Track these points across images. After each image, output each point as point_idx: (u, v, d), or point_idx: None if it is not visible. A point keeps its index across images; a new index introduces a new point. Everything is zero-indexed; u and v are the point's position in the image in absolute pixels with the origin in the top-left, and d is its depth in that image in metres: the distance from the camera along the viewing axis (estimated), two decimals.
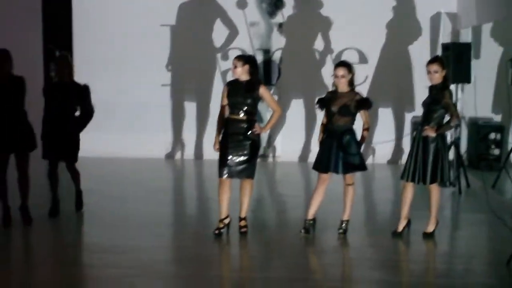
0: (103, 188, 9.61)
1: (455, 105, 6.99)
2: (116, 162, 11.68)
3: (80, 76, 11.91)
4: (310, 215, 7.10)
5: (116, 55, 12.18)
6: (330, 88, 7.26)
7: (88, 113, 7.84)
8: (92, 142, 11.96)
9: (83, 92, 7.81)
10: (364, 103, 6.98)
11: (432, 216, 7.05)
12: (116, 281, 5.80)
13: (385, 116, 11.74)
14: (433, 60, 7.03)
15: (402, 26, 11.84)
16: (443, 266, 6.40)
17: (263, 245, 6.92)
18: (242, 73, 6.96)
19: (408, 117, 11.68)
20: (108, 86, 12.03)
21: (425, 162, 6.86)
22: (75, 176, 7.97)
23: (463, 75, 9.72)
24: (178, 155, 12.27)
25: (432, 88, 7.00)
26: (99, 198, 9.20)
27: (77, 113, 7.89)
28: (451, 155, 9.68)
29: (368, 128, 7.07)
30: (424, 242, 6.97)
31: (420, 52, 11.36)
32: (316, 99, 7.18)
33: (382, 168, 10.99)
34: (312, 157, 7.26)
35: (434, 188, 6.98)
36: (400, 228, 7.06)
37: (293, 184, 10.25)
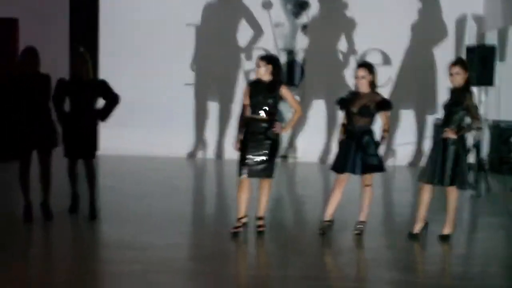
0: (124, 186, 9.74)
1: (476, 107, 6.97)
2: (138, 161, 11.82)
3: (105, 74, 12.18)
4: (328, 216, 7.14)
5: (141, 54, 12.31)
6: (353, 89, 7.29)
7: (114, 99, 7.67)
8: (115, 140, 12.21)
9: (102, 86, 7.70)
10: (384, 105, 7.00)
11: (449, 218, 7.04)
12: (136, 277, 5.89)
13: (406, 118, 11.73)
14: (456, 62, 7.02)
15: (427, 28, 11.82)
16: (460, 268, 6.40)
17: (280, 244, 6.97)
18: (265, 73, 7.01)
19: (430, 119, 11.65)
20: (133, 85, 12.15)
21: (444, 164, 6.86)
22: (92, 177, 7.72)
23: (487, 78, 9.69)
24: (199, 154, 12.37)
25: (453, 90, 7.00)
26: (121, 196, 9.32)
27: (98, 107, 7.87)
28: (472, 158, 9.68)
29: (387, 130, 7.08)
30: (440, 244, 6.97)
31: (444, 54, 11.34)
32: (336, 99, 7.21)
33: (402, 170, 10.98)
34: (333, 158, 7.29)
35: (453, 191, 6.97)
36: (416, 230, 7.07)
37: (312, 185, 10.30)
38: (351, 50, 12.04)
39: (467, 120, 6.93)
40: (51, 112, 7.54)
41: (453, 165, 6.85)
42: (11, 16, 11.46)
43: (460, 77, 6.88)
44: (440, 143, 6.92)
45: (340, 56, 12.08)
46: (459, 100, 6.86)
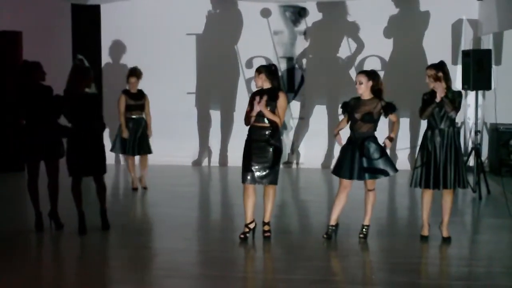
0: (131, 195, 9.85)
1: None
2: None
3: (108, 84, 12.36)
4: (333, 221, 7.27)
5: (143, 64, 12.34)
6: (355, 95, 7.43)
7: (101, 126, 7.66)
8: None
9: (96, 101, 7.66)
10: (390, 108, 7.11)
11: (447, 220, 7.19)
12: (146, 281, 6.04)
13: (404, 123, 11.84)
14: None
15: (423, 33, 11.94)
16: (463, 269, 6.51)
17: (286, 249, 7.09)
18: (262, 82, 7.19)
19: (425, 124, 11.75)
20: None
21: (445, 167, 7.00)
22: (102, 190, 7.66)
23: (483, 82, 9.81)
24: (205, 162, 12.49)
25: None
26: (128, 204, 9.46)
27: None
28: (472, 161, 9.82)
29: (394, 134, 7.21)
30: (443, 246, 7.10)
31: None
32: (341, 103, 7.32)
33: (404, 174, 11.10)
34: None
35: (450, 193, 7.13)
36: (425, 232, 7.21)
37: (315, 190, 10.41)
38: (350, 56, 12.15)
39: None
40: (54, 123, 7.62)
41: (455, 167, 6.99)
42: (15, 29, 11.58)
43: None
44: (434, 146, 7.03)
45: (340, 62, 12.19)
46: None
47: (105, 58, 12.60)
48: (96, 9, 12.47)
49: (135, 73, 9.92)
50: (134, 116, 9.86)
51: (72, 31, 12.30)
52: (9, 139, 8.01)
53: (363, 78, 7.12)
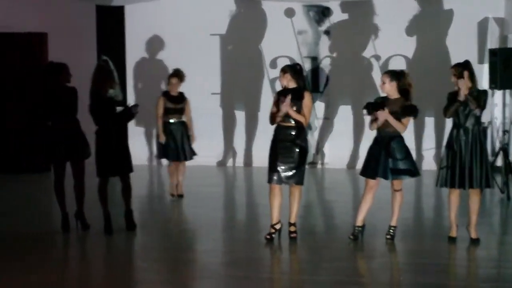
0: (157, 194, 9.89)
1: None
2: (159, 169, 11.97)
3: (133, 85, 12.39)
4: (359, 222, 7.22)
5: (167, 65, 12.46)
6: (380, 94, 7.38)
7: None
8: (146, 150, 12.43)
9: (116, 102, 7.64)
10: (408, 110, 7.05)
11: (475, 221, 7.10)
12: (172, 283, 6.04)
13: (429, 122, 11.76)
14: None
15: (449, 32, 11.83)
16: (492, 271, 6.44)
17: (312, 250, 7.06)
18: (288, 82, 7.16)
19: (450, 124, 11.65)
20: (159, 94, 12.31)
21: (471, 166, 6.93)
22: (127, 190, 7.64)
23: (511, 81, 9.70)
24: (229, 162, 12.49)
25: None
26: (153, 204, 9.49)
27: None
28: (500, 161, 9.70)
29: (394, 123, 7.03)
30: (471, 247, 7.03)
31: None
32: (365, 104, 7.26)
33: (430, 174, 11.01)
34: (360, 163, 7.38)
35: (477, 193, 7.05)
36: (454, 233, 7.14)
37: (341, 191, 10.36)
38: (375, 55, 12.08)
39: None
40: (79, 123, 7.67)
41: (481, 167, 6.93)
42: (40, 30, 11.66)
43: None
44: (460, 145, 6.97)
45: (364, 62, 12.12)
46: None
47: (130, 59, 12.63)
48: (120, 10, 12.50)
49: (178, 74, 9.31)
50: (172, 120, 9.24)
51: (97, 33, 12.36)
52: (35, 140, 8.05)
53: (386, 78, 7.10)
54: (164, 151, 9.31)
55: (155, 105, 9.33)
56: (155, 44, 12.56)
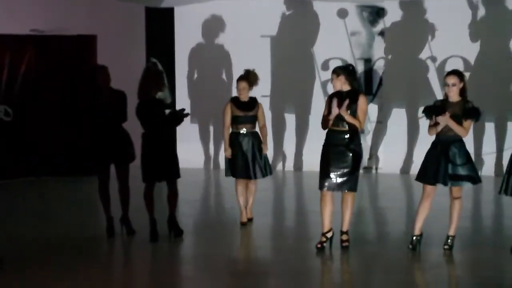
0: (202, 199, 9.71)
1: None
2: (215, 173, 11.82)
3: (181, 88, 12.30)
4: (417, 230, 6.85)
5: (216, 66, 12.33)
6: (437, 97, 7.01)
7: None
8: (192, 154, 12.25)
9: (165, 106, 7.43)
10: (471, 113, 6.68)
11: None
12: None
13: (489, 127, 11.32)
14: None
15: (508, 32, 11.38)
16: None
17: (365, 260, 6.77)
18: (341, 85, 6.85)
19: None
20: (208, 97, 12.19)
21: None
22: (174, 196, 7.42)
23: None
24: (279, 166, 12.25)
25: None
26: (199, 210, 9.30)
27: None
28: None
29: (457, 128, 6.69)
30: None
31: None
32: (423, 107, 6.92)
33: (490, 180, 10.58)
34: (415, 168, 7.03)
35: None
36: None
37: (394, 197, 10.05)
38: (431, 57, 11.73)
39: None
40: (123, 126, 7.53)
41: None
42: (90, 33, 11.64)
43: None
44: None
45: (420, 63, 11.78)
46: None
47: (179, 62, 12.54)
48: (170, 12, 12.46)
49: (246, 77, 7.95)
50: (241, 131, 7.94)
51: (146, 35, 12.32)
52: (80, 143, 7.94)
53: (456, 80, 6.69)
54: (231, 167, 7.99)
55: (222, 112, 8.09)
56: (204, 45, 12.45)
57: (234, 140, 7.91)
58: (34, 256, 6.84)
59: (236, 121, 7.91)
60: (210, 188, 11.44)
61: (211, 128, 12.47)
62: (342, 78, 6.86)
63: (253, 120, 7.95)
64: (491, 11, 11.42)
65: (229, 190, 10.12)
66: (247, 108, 7.93)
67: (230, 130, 7.98)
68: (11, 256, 6.65)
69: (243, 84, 7.89)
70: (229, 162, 7.96)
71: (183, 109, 7.41)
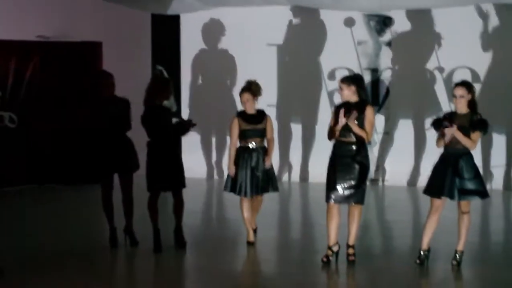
0: (206, 210, 9.62)
1: None
2: (219, 183, 11.72)
3: (187, 95, 12.24)
4: (425, 245, 6.74)
5: (222, 75, 12.27)
6: (444, 108, 6.91)
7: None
8: (195, 164, 12.14)
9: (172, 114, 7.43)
10: (479, 124, 6.57)
11: None
12: None
13: (498, 139, 11.19)
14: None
15: None
16: None
17: (371, 274, 6.67)
18: (350, 95, 6.76)
19: None
20: (213, 106, 12.12)
21: None
22: (180, 206, 7.33)
23: None
24: (285, 177, 12.14)
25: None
26: (203, 221, 9.21)
27: None
28: None
29: (465, 141, 6.59)
30: None
31: None
32: (432, 120, 6.80)
33: (499, 195, 10.46)
34: (422, 181, 6.93)
35: None
36: None
37: (401, 210, 9.95)
38: (438, 67, 11.64)
39: None
40: (127, 135, 7.47)
41: None
42: (95, 39, 11.58)
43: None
44: None
45: (427, 74, 11.68)
46: None
47: (185, 69, 12.50)
48: (176, 19, 12.43)
49: (249, 88, 7.59)
50: (251, 145, 7.53)
51: (152, 42, 12.27)
52: (83, 151, 7.88)
53: (464, 91, 6.59)
54: (234, 183, 7.56)
55: (229, 127, 7.68)
56: (210, 53, 12.38)
57: (242, 155, 7.55)
58: (35, 266, 6.76)
59: (244, 135, 7.54)
60: (213, 199, 11.34)
61: (213, 138, 12.38)
62: (352, 88, 6.76)
63: (262, 133, 7.59)
64: (503, 20, 11.30)
65: (233, 202, 10.04)
66: (255, 121, 7.58)
67: (238, 144, 7.64)
68: (12, 266, 6.57)
69: (246, 96, 7.57)
70: (232, 178, 7.59)
71: (190, 120, 7.35)
